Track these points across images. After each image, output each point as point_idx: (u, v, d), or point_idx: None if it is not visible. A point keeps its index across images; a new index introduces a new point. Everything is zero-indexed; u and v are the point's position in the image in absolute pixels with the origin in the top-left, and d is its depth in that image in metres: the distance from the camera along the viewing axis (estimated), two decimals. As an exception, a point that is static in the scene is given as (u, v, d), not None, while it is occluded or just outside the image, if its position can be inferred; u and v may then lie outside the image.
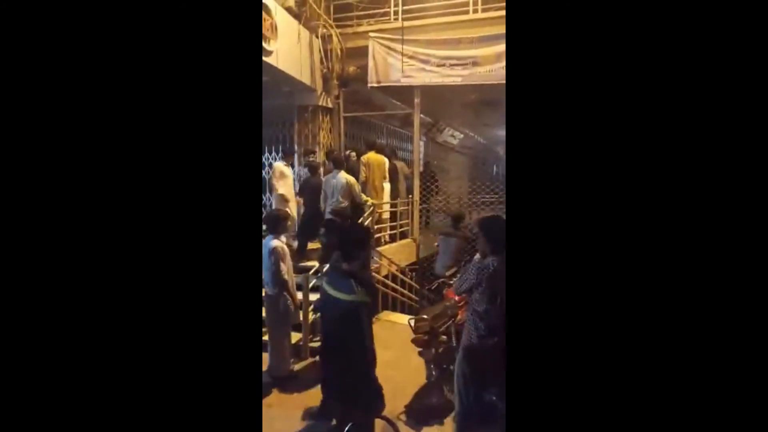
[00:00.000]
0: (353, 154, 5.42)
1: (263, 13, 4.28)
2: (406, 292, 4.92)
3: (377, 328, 2.99)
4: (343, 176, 4.22)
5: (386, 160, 5.05)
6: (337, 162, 4.39)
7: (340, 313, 1.74)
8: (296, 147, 5.70)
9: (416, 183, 5.84)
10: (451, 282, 3.43)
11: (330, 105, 5.87)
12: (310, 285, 3.22)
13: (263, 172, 5.73)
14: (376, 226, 4.64)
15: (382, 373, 1.86)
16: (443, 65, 5.42)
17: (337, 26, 5.76)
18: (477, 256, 2.29)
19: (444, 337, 2.65)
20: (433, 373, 2.63)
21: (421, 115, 6.04)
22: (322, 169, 4.99)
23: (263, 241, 2.72)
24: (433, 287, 3.45)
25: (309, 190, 4.58)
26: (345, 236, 1.89)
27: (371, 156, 4.93)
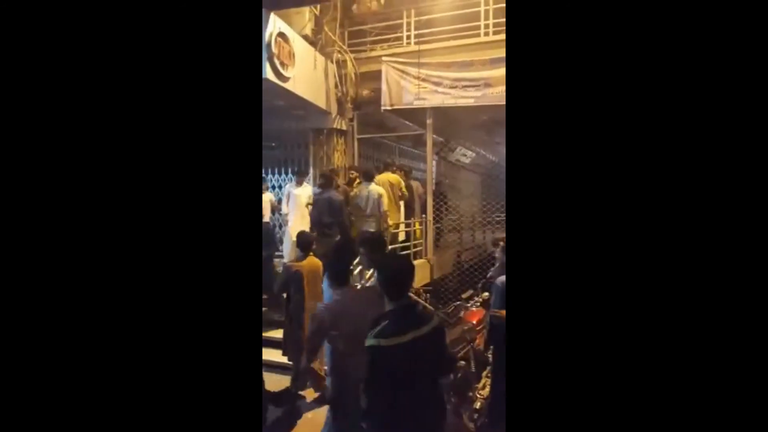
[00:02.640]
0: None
1: (281, 40, 4.44)
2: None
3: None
4: (375, 189, 4.24)
5: (401, 180, 5.10)
6: (367, 175, 4.43)
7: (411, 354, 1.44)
8: (311, 168, 5.80)
9: (429, 202, 5.87)
10: (468, 305, 3.39)
11: (344, 127, 5.98)
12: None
13: (275, 192, 5.82)
14: (390, 247, 4.66)
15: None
16: (456, 87, 5.51)
17: (352, 51, 5.94)
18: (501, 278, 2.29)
19: (462, 362, 2.62)
20: (452, 399, 2.59)
21: (434, 136, 6.11)
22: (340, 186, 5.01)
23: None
24: (449, 310, 3.40)
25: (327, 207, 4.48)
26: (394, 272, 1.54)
27: (387, 176, 4.98)
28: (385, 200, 4.28)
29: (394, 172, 5.13)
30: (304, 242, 3.19)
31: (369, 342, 1.39)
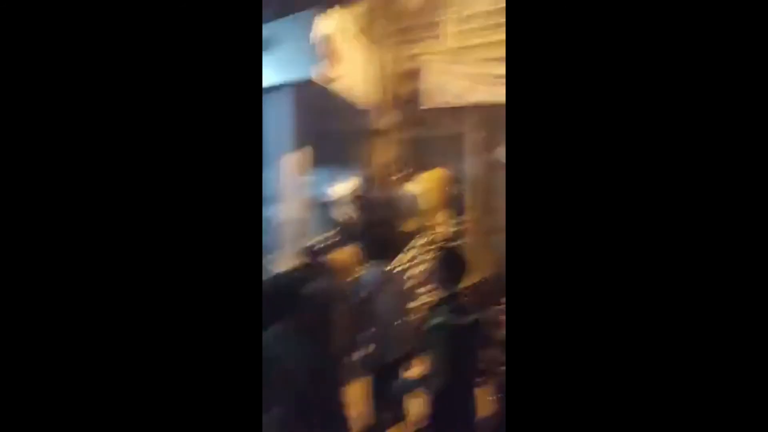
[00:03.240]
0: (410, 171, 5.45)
1: (327, 40, 4.48)
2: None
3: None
4: (413, 188, 4.21)
5: (443, 179, 5.04)
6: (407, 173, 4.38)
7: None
8: (358, 168, 5.83)
9: (468, 201, 5.77)
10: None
11: (386, 127, 5.98)
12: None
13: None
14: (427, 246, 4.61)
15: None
16: (498, 83, 5.41)
17: (394, 50, 5.92)
18: None
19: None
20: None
21: (474, 133, 6.02)
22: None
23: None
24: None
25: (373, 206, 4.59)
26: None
27: (430, 175, 4.93)
28: (423, 199, 4.24)
29: (435, 171, 5.07)
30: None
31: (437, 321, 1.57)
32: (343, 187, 4.80)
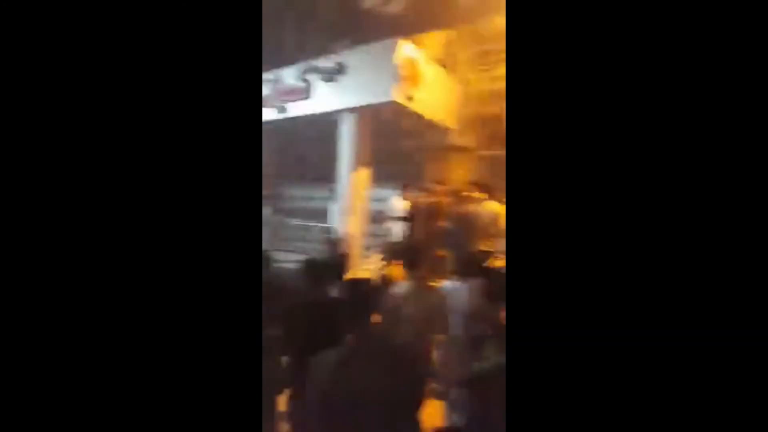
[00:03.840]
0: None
1: (410, 63, 4.74)
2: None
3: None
4: (490, 206, 4.11)
5: None
6: (488, 191, 4.31)
7: None
8: (427, 185, 5.93)
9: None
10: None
11: (465, 144, 5.99)
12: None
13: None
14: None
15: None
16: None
17: (480, 71, 5.96)
18: None
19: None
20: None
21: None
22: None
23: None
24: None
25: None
26: None
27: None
28: (501, 219, 4.10)
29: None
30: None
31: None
32: (398, 204, 4.82)
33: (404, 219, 4.72)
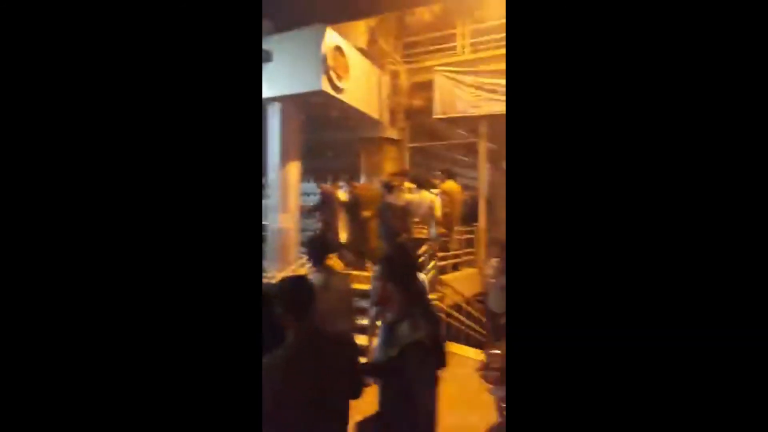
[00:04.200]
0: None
1: (337, 53, 4.64)
2: (471, 323, 4.74)
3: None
4: (427, 195, 4.16)
5: (460, 189, 5.02)
6: (419, 182, 4.36)
7: None
8: (362, 177, 5.93)
9: (482, 210, 5.73)
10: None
11: (396, 137, 6.06)
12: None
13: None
14: (440, 254, 4.58)
15: (446, 409, 1.74)
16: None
17: (406, 62, 6.04)
18: None
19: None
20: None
21: (486, 143, 6.00)
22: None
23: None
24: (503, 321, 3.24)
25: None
26: None
27: (450, 185, 4.92)
28: (437, 206, 4.24)
29: (451, 179, 5.03)
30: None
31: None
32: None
33: (316, 209, 4.62)
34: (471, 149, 7.02)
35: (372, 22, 5.60)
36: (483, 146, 5.87)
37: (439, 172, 5.25)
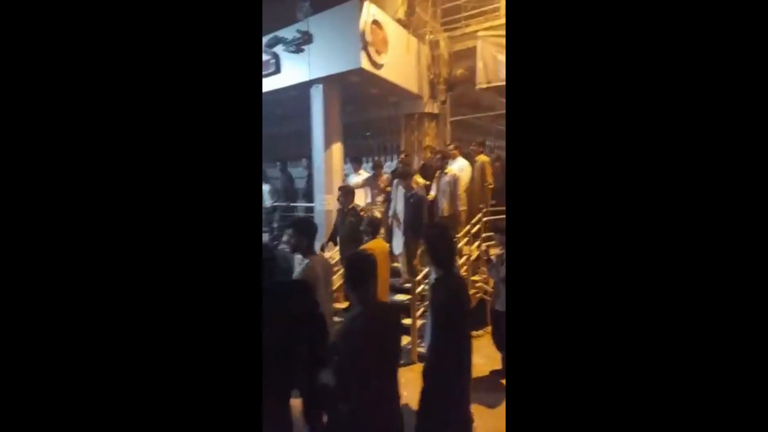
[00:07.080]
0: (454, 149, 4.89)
1: (375, 27, 4.44)
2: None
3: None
4: (450, 170, 4.00)
5: (489, 161, 4.79)
6: (445, 155, 4.18)
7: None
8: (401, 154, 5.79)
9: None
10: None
11: (436, 111, 5.83)
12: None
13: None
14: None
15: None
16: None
17: (445, 29, 5.70)
18: None
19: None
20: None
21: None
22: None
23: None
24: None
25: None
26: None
27: (483, 158, 4.72)
28: (462, 183, 4.05)
29: (482, 153, 4.77)
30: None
31: None
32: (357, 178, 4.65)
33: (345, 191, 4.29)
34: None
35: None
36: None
37: (473, 146, 4.92)
